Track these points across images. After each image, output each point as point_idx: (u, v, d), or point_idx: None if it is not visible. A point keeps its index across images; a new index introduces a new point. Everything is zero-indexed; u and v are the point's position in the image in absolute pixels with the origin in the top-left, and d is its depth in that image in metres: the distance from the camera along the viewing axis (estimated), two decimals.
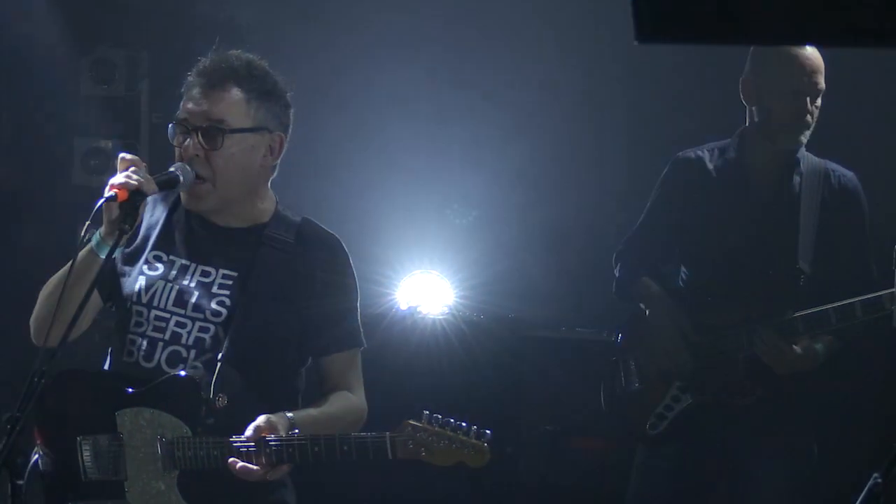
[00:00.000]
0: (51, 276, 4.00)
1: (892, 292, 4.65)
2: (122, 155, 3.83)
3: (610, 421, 5.35)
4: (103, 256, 3.73)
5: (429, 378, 6.55)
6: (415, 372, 6.52)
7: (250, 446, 3.74)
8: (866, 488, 2.93)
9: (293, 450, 3.74)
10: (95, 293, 3.78)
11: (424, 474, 6.54)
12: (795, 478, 5.03)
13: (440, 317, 6.74)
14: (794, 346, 4.87)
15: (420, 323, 6.71)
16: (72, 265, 3.70)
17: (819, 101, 4.97)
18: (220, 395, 3.81)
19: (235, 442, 3.75)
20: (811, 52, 4.95)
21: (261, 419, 3.77)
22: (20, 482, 3.52)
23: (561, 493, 6.55)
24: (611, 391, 5.24)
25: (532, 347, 6.68)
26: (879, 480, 2.92)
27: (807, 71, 4.94)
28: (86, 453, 3.86)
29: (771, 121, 4.99)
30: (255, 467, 3.74)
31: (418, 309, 6.78)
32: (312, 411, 3.92)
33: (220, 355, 3.85)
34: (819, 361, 4.90)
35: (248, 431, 3.76)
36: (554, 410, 6.63)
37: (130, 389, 3.88)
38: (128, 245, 3.91)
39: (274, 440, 3.74)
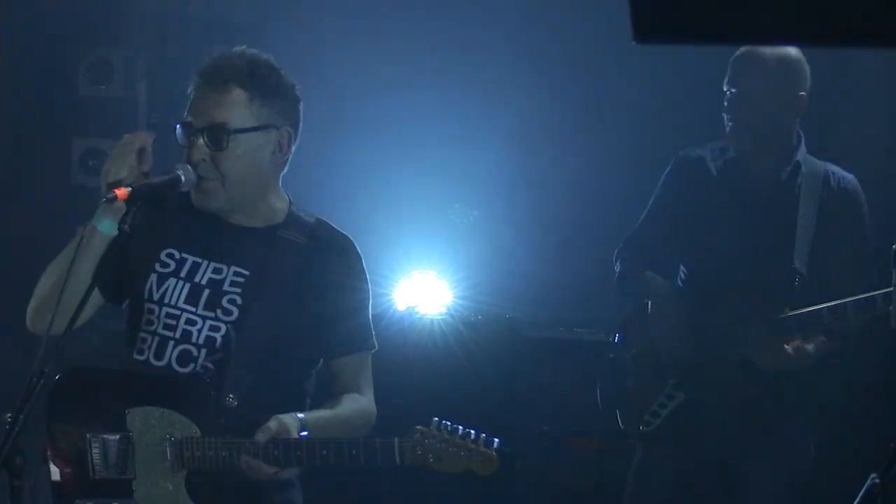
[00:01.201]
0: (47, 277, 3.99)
1: (887, 292, 4.65)
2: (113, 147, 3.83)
3: (607, 421, 5.35)
4: (107, 233, 3.75)
5: (426, 378, 6.55)
6: (412, 372, 6.51)
7: (260, 448, 3.74)
8: (864, 489, 2.93)
9: (301, 453, 3.74)
10: (96, 291, 3.79)
11: (421, 476, 6.56)
12: (792, 477, 5.04)
13: (438, 317, 6.74)
14: (786, 346, 4.87)
15: (418, 323, 6.71)
16: (78, 247, 3.73)
17: (760, 108, 4.94)
18: (231, 395, 3.81)
19: (245, 443, 3.75)
20: (750, 52, 4.94)
21: (271, 421, 3.76)
22: (19, 482, 3.52)
23: (558, 494, 6.54)
24: (606, 389, 5.25)
25: (530, 348, 6.68)
26: (877, 481, 2.92)
27: (738, 72, 4.97)
28: (95, 451, 3.86)
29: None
30: (265, 466, 3.74)
31: (416, 309, 6.78)
32: (323, 413, 3.92)
33: (231, 355, 3.84)
34: (810, 362, 4.90)
35: (259, 433, 3.75)
36: (551, 411, 6.63)
37: (141, 388, 3.88)
38: (139, 243, 3.90)
39: (283, 442, 3.73)
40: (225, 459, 3.76)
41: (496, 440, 3.71)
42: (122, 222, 3.75)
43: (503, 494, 6.60)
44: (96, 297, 3.88)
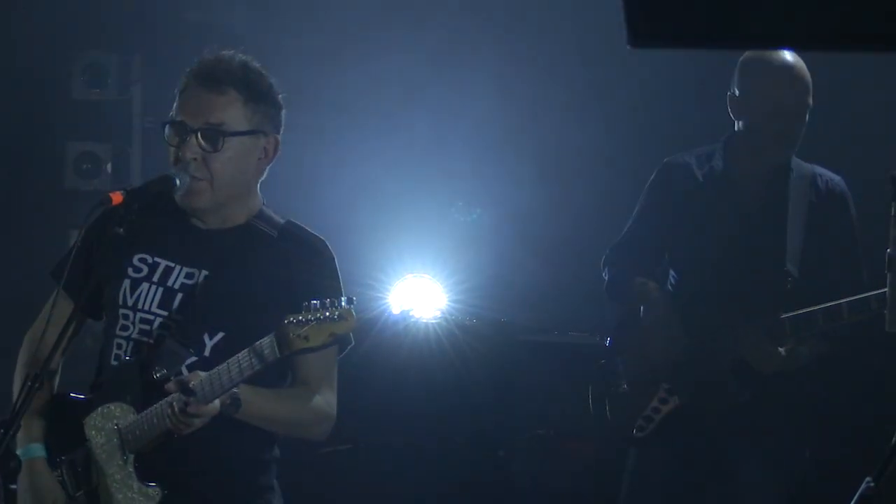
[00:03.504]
0: (42, 281, 4.01)
1: (879, 294, 4.66)
2: None
3: (601, 424, 5.35)
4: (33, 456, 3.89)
5: (421, 382, 6.55)
6: (407, 376, 6.52)
7: (174, 400, 3.69)
8: (859, 492, 2.93)
9: (208, 386, 3.66)
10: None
11: (416, 480, 6.56)
12: (786, 481, 5.04)
13: (433, 321, 6.74)
14: (780, 349, 4.87)
15: (412, 327, 6.71)
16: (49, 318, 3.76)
17: (806, 118, 4.97)
18: (158, 367, 3.79)
19: (165, 400, 3.71)
20: (798, 69, 4.94)
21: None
22: (13, 486, 3.52)
23: (553, 497, 6.55)
24: (598, 394, 5.25)
25: (524, 351, 6.68)
26: (872, 484, 2.93)
27: (793, 90, 4.94)
28: (67, 474, 3.90)
29: (757, 138, 5.01)
30: (179, 404, 3.68)
31: (411, 313, 6.78)
32: (262, 389, 3.83)
33: (207, 361, 3.82)
34: (802, 363, 4.91)
35: (170, 384, 3.71)
36: (546, 414, 6.63)
37: (83, 396, 3.90)
38: (115, 249, 3.89)
39: (194, 383, 3.66)
40: (155, 427, 3.74)
41: (353, 298, 3.66)
42: (116, 224, 3.76)
43: (497, 497, 6.60)
44: (77, 317, 3.90)
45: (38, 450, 3.90)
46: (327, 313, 3.61)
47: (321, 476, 6.27)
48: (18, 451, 3.85)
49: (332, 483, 6.40)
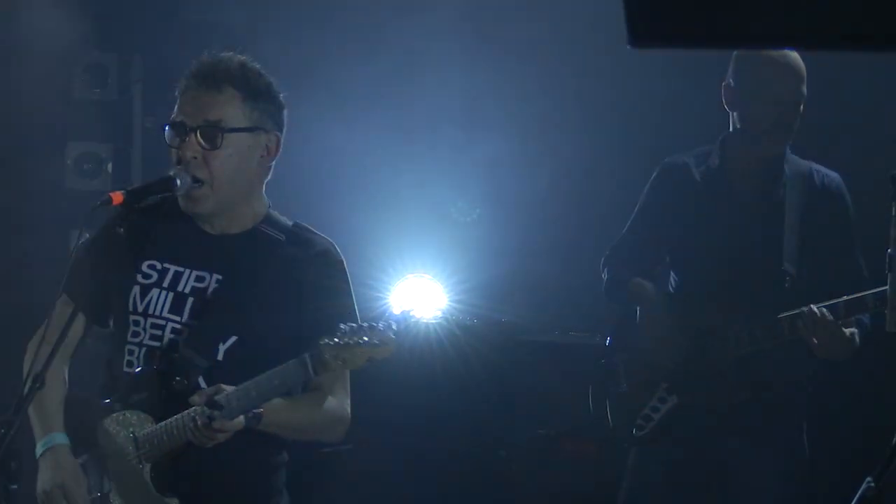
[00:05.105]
0: (41, 281, 4.01)
1: (878, 292, 4.67)
2: None
3: (602, 424, 5.36)
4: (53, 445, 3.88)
5: (422, 382, 6.56)
6: (408, 376, 6.52)
7: (197, 414, 3.69)
8: (859, 492, 2.93)
9: (235, 401, 3.67)
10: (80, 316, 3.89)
11: (417, 480, 6.57)
12: (786, 480, 5.04)
13: (433, 321, 6.74)
14: (844, 329, 4.80)
15: (413, 327, 6.71)
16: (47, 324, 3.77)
17: (802, 108, 4.98)
18: (178, 377, 3.79)
19: (187, 412, 3.71)
20: (794, 60, 4.96)
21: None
22: (14, 486, 3.52)
23: (553, 497, 6.55)
24: (598, 394, 5.25)
25: (525, 351, 6.68)
26: (872, 485, 2.93)
27: (789, 79, 4.95)
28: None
29: (752, 128, 5.01)
30: (218, 428, 3.68)
31: (411, 313, 6.77)
32: (281, 399, 3.82)
33: (219, 364, 3.82)
34: (855, 348, 4.85)
35: (195, 396, 3.72)
36: (547, 414, 6.64)
37: (98, 401, 3.90)
38: (118, 257, 3.90)
39: (220, 398, 3.67)
40: (174, 438, 3.74)
41: (392, 324, 3.68)
42: (117, 225, 3.76)
43: (497, 497, 6.61)
44: (80, 321, 3.90)
45: (62, 437, 3.89)
46: (365, 338, 3.63)
47: (322, 476, 6.27)
48: (41, 442, 3.85)
49: (333, 483, 6.40)
